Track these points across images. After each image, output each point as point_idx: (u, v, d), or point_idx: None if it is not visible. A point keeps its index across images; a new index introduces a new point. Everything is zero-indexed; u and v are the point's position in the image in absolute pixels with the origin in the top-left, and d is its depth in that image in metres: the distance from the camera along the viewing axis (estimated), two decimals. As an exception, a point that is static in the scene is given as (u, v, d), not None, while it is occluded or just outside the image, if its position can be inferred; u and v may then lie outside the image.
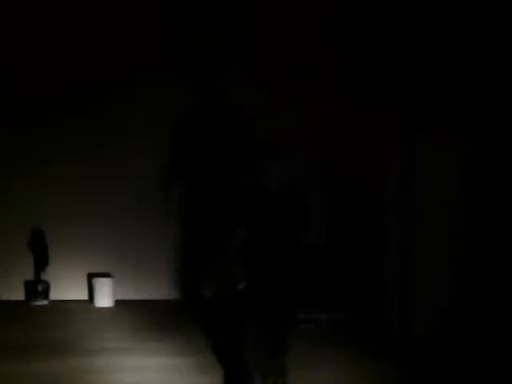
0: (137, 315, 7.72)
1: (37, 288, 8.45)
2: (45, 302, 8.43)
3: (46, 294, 8.47)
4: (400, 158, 7.07)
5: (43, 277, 8.55)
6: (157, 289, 8.57)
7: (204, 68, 8.36)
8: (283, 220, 5.08)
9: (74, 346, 6.25)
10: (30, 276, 8.55)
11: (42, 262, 8.59)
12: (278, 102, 8.19)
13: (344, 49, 8.24)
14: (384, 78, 7.60)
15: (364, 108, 7.83)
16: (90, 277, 8.59)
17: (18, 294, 8.50)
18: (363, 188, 7.75)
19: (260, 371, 5.21)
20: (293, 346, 5.68)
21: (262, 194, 5.13)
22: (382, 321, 7.06)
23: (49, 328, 7.04)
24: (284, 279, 5.06)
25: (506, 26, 6.78)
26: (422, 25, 7.13)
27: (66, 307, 8.21)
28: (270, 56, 8.32)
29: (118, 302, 8.38)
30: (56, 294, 8.54)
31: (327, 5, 8.28)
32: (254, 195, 5.18)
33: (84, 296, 8.67)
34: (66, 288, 8.59)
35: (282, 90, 8.25)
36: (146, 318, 7.53)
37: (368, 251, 7.46)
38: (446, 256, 6.94)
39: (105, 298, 8.34)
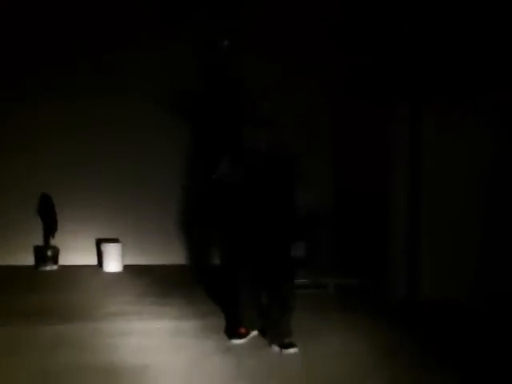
0: (145, 280, 7.78)
1: (46, 253, 8.52)
2: (54, 267, 8.51)
3: (55, 259, 8.54)
4: (407, 134, 7.07)
5: (52, 242, 8.62)
6: (164, 253, 8.66)
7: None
8: (278, 181, 5.22)
9: (84, 310, 6.31)
10: (40, 241, 8.62)
11: (51, 228, 8.65)
12: (278, 97, 8.23)
13: (343, 48, 8.27)
14: (384, 77, 7.65)
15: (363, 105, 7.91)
16: (99, 242, 8.66)
17: (28, 259, 8.58)
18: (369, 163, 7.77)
19: (268, 332, 5.34)
20: (298, 310, 5.79)
21: (260, 158, 5.26)
22: (389, 287, 7.09)
23: (59, 293, 7.10)
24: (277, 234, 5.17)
25: (506, 26, 6.75)
26: (421, 25, 7.13)
27: (75, 272, 8.29)
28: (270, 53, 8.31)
29: (126, 267, 8.45)
30: (65, 259, 8.62)
31: (327, 5, 8.29)
32: (253, 158, 5.28)
33: (93, 261, 8.74)
34: (75, 253, 8.67)
35: (282, 86, 8.30)
36: (153, 283, 7.60)
37: (375, 217, 7.46)
38: (453, 223, 6.95)
39: (113, 263, 8.41)
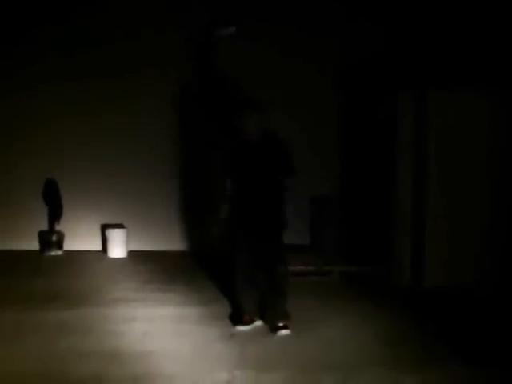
0: (149, 266, 7.78)
1: (51, 238, 8.52)
2: (59, 253, 8.51)
3: (59, 244, 8.55)
4: (413, 111, 7.03)
5: (57, 227, 8.62)
6: (169, 239, 8.65)
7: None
8: (266, 164, 5.22)
9: (88, 296, 6.33)
10: (44, 226, 8.63)
11: (56, 213, 8.64)
12: (286, 84, 8.31)
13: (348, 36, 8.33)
14: (387, 64, 7.66)
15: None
16: (104, 228, 8.66)
17: (33, 244, 8.59)
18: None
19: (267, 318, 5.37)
20: (303, 297, 5.77)
21: (249, 142, 5.32)
22: (394, 274, 7.07)
23: (63, 278, 7.11)
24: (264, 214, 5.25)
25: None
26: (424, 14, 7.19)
27: (79, 257, 8.29)
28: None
29: (130, 253, 8.46)
30: (70, 244, 8.62)
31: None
32: (242, 143, 5.36)
33: (97, 247, 8.75)
34: (80, 238, 8.67)
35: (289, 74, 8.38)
36: (158, 269, 7.60)
37: (380, 204, 7.44)
38: (459, 209, 6.92)
39: (118, 249, 8.40)
